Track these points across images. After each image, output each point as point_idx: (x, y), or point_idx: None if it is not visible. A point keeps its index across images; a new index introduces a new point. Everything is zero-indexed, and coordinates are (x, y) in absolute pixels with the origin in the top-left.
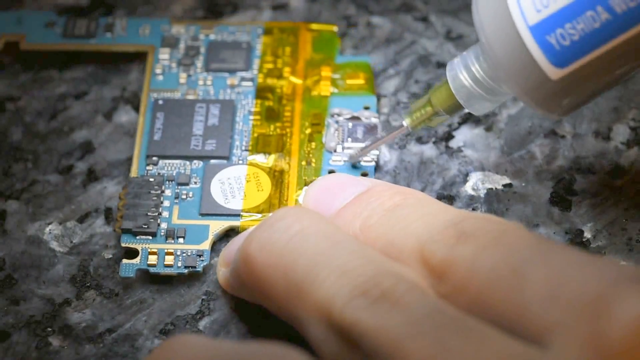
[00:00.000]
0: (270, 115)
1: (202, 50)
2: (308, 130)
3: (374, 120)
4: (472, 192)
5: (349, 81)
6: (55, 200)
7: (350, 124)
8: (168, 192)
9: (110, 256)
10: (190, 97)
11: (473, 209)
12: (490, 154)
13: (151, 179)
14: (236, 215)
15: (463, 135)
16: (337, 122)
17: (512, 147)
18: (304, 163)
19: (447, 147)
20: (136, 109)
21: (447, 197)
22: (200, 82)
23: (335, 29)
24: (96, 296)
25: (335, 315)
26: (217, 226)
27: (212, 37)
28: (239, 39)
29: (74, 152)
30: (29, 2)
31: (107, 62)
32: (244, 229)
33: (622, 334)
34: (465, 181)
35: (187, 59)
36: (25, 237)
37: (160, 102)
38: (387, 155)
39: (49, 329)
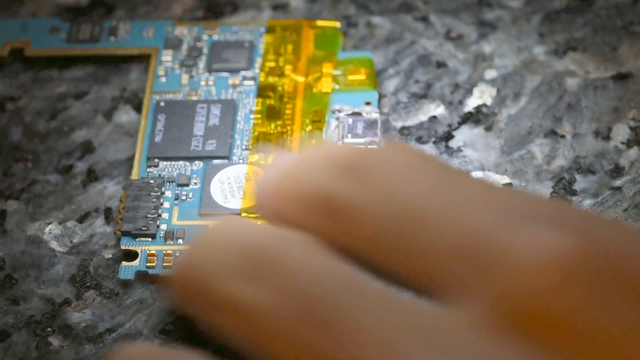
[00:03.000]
0: (271, 113)
1: (205, 50)
2: (309, 128)
3: (374, 115)
4: None
5: (350, 77)
6: (55, 200)
7: (350, 120)
8: (168, 194)
9: (110, 256)
10: (193, 98)
11: None
12: (490, 154)
13: (151, 181)
14: (236, 214)
15: (463, 135)
16: (337, 118)
17: (512, 147)
18: None
19: (446, 146)
20: (136, 108)
21: None
22: (202, 83)
23: (338, 25)
24: (96, 296)
25: None
26: None
27: (215, 37)
28: (241, 38)
29: (74, 152)
30: (29, 2)
31: (108, 62)
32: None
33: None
34: None
35: (190, 60)
36: (25, 237)
37: (162, 104)
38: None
39: (49, 329)
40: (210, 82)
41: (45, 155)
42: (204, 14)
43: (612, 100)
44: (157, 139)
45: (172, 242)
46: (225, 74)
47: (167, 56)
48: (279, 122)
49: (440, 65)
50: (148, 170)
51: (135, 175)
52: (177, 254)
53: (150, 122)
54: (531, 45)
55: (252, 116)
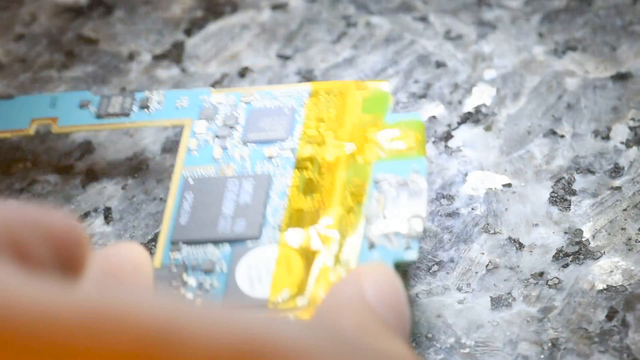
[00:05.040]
0: (309, 187)
1: (241, 119)
2: (348, 202)
3: (420, 186)
4: (472, 192)
5: (397, 143)
6: (54, 200)
7: (394, 191)
8: (192, 281)
9: None
10: (225, 173)
11: (472, 209)
12: (489, 154)
13: (174, 269)
14: (262, 306)
15: (462, 135)
16: (380, 189)
17: (511, 147)
18: (340, 240)
19: (446, 146)
20: None
21: (447, 196)
22: (237, 156)
23: (387, 86)
24: None
25: None
26: None
27: (253, 103)
28: (282, 104)
29: (73, 152)
30: (29, 2)
31: (108, 62)
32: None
33: None
34: (464, 181)
35: (224, 130)
36: None
37: (191, 181)
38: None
39: None
40: (245, 154)
41: (45, 155)
42: (203, 14)
43: (612, 100)
44: (183, 220)
45: None
46: (261, 146)
47: (200, 127)
48: (315, 196)
49: (440, 65)
50: (171, 255)
51: (157, 262)
52: None
53: (178, 200)
54: (530, 45)
55: (287, 191)
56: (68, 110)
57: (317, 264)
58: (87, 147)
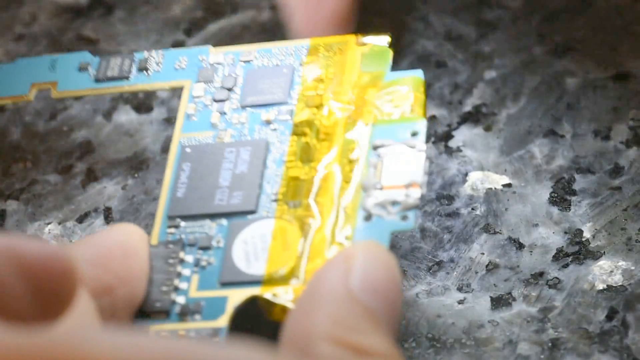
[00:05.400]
0: (306, 154)
1: (240, 81)
2: (346, 171)
3: (419, 152)
4: (472, 192)
5: (396, 105)
6: (54, 200)
7: (391, 157)
8: (189, 258)
9: None
10: (223, 139)
11: (472, 209)
12: (489, 154)
13: (170, 245)
14: (257, 282)
15: (462, 135)
16: (378, 155)
17: (511, 147)
18: (338, 211)
19: (446, 146)
20: (135, 108)
21: (447, 196)
22: (234, 121)
23: (388, 40)
24: None
25: None
26: (236, 297)
27: (252, 63)
28: (281, 62)
29: (73, 152)
30: (29, 2)
31: None
32: (267, 301)
33: None
34: (464, 181)
35: (223, 93)
36: None
37: (188, 150)
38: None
39: None
40: (243, 120)
41: (45, 155)
42: (203, 14)
43: (612, 100)
44: (180, 193)
45: (187, 319)
46: (259, 110)
47: (198, 90)
48: (313, 165)
49: (440, 65)
50: (168, 231)
51: (154, 238)
52: (192, 334)
53: (175, 171)
54: (530, 45)
55: (284, 158)
56: (67, 74)
57: (313, 238)
58: (87, 147)
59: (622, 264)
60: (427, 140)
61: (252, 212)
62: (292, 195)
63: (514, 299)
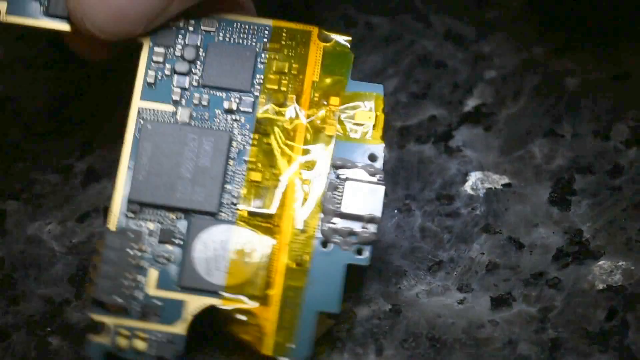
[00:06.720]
0: (268, 159)
1: (202, 52)
2: (306, 183)
3: (379, 187)
4: (472, 192)
5: (357, 121)
6: (54, 200)
7: (351, 185)
8: (148, 250)
9: None
10: (184, 119)
11: (472, 209)
12: (489, 154)
13: (131, 234)
14: (217, 292)
15: (462, 135)
16: (338, 177)
17: (511, 147)
18: (297, 227)
19: (446, 146)
20: None
21: (446, 196)
22: (195, 101)
23: (349, 41)
24: None
25: None
26: (195, 304)
27: (213, 35)
28: (243, 40)
29: (73, 152)
30: None
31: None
32: (224, 313)
33: None
34: (464, 181)
35: (183, 65)
36: (24, 237)
37: (149, 126)
38: (386, 155)
39: (49, 329)
40: (205, 102)
41: (45, 155)
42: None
43: (612, 100)
44: (141, 176)
45: (147, 319)
46: (221, 93)
47: (158, 56)
48: (275, 172)
49: (440, 65)
50: (128, 215)
51: (113, 224)
52: (151, 337)
53: (135, 148)
54: (530, 45)
55: (246, 157)
56: (18, 1)
57: (273, 255)
58: (87, 147)
59: (622, 264)
60: (427, 141)
61: (214, 214)
62: (254, 198)
63: (514, 299)
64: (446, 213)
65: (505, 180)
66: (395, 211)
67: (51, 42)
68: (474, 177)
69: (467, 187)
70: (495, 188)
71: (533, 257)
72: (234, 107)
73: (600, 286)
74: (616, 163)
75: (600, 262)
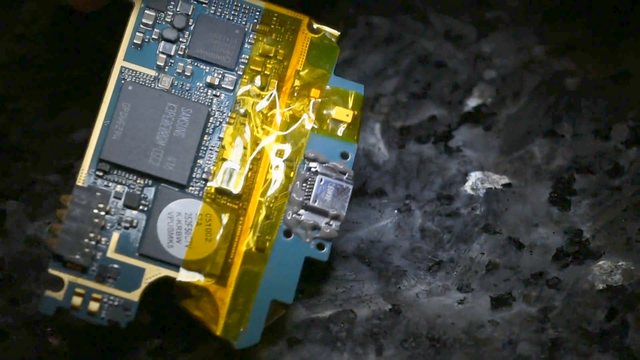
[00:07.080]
0: (242, 138)
1: (191, 22)
2: (277, 169)
3: (347, 185)
4: (472, 192)
5: (335, 117)
6: (54, 200)
7: (321, 179)
8: (113, 212)
9: None
10: (165, 85)
11: (472, 209)
12: (489, 154)
13: (98, 193)
14: (175, 265)
15: (462, 135)
16: (309, 169)
17: (511, 147)
18: (262, 213)
19: (446, 146)
20: None
21: (446, 196)
22: (179, 70)
23: (337, 36)
24: None
25: None
26: (152, 273)
27: (205, 7)
28: (234, 18)
29: (73, 152)
30: (29, 2)
31: (107, 61)
32: (180, 287)
33: None
34: (464, 181)
35: (172, 33)
36: (24, 237)
37: (130, 87)
38: (386, 155)
39: (49, 329)
40: (188, 73)
41: (45, 155)
42: None
43: (612, 100)
44: (115, 136)
45: (103, 281)
46: (205, 67)
47: (148, 18)
48: (246, 153)
49: (440, 65)
50: (97, 173)
51: (82, 177)
52: (105, 300)
53: (113, 107)
54: (530, 45)
55: (221, 135)
56: None
57: (235, 236)
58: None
59: (622, 264)
60: (427, 141)
61: (183, 186)
62: (222, 178)
63: (514, 299)
64: (446, 213)
65: (505, 180)
66: (395, 211)
67: (51, 42)
68: (474, 177)
69: (467, 187)
70: (495, 188)
71: (533, 257)
72: (216, 82)
73: (600, 286)
74: (616, 163)
75: (600, 262)
